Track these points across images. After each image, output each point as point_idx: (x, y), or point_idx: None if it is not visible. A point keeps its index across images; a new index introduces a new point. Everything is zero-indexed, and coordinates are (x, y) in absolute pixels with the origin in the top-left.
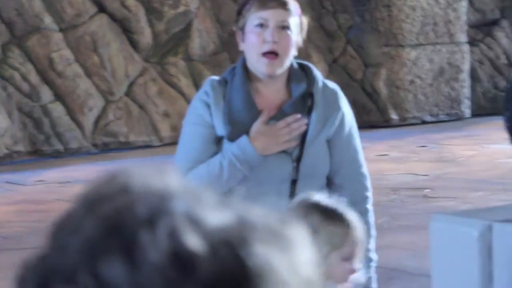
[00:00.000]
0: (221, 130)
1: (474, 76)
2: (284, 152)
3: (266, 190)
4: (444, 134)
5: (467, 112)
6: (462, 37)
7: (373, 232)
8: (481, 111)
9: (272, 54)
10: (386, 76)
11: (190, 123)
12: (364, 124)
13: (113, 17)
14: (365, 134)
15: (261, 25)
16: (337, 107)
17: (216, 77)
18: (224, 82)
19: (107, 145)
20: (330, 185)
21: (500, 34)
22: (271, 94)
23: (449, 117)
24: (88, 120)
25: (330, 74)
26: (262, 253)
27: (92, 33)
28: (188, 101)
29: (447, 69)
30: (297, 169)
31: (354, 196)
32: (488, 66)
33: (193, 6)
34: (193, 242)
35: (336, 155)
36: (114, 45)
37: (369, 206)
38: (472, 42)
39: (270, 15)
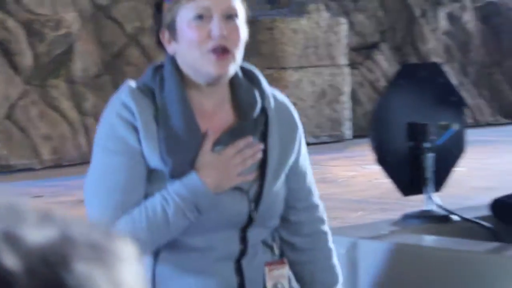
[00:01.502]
0: (155, 161)
1: (354, 98)
2: (238, 189)
3: (212, 239)
4: (326, 155)
5: (348, 133)
6: (343, 60)
7: (341, 279)
8: (361, 132)
9: (221, 51)
10: None
11: (109, 150)
12: None
13: None
14: None
15: (201, 17)
16: (294, 127)
17: (133, 84)
18: (149, 93)
19: None
20: (283, 224)
21: (379, 57)
22: (213, 109)
23: (331, 139)
24: None
25: None
26: (83, 270)
27: None
28: (70, 124)
29: (329, 91)
30: (255, 211)
31: (314, 236)
32: (368, 89)
33: (74, 28)
34: (10, 261)
35: (294, 187)
36: None
37: (331, 244)
38: (352, 65)
39: (213, 3)
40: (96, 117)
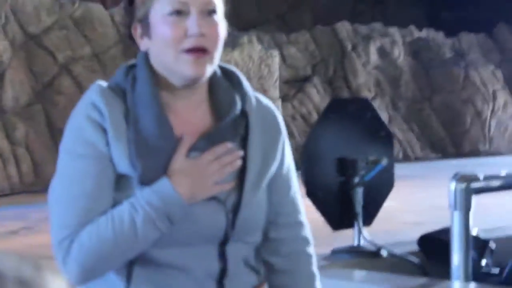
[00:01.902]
0: (124, 166)
1: (287, 131)
2: (214, 199)
3: (188, 255)
4: None
5: None
6: (275, 93)
7: None
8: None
9: (198, 51)
10: None
11: (75, 154)
12: None
13: None
14: None
15: (178, 12)
16: (278, 133)
17: (103, 83)
18: (120, 92)
19: None
20: (262, 242)
21: (311, 90)
22: (189, 112)
23: None
24: None
25: None
26: None
27: None
28: (0, 154)
29: None
30: (232, 223)
31: (295, 257)
32: (300, 122)
33: (6, 57)
34: None
35: (275, 200)
36: None
37: (315, 268)
38: (284, 98)
39: None
40: (27, 147)
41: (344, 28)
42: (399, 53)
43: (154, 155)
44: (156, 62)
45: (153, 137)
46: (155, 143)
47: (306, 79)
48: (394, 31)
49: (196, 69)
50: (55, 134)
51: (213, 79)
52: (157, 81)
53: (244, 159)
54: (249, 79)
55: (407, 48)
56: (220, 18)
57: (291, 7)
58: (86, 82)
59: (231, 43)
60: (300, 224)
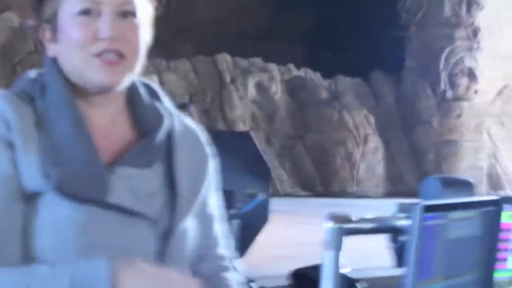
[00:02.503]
0: (34, 179)
1: None
2: (142, 218)
3: None
4: None
5: None
6: None
7: None
8: None
9: (110, 54)
10: None
11: None
12: None
13: None
14: None
15: (87, 11)
16: (205, 156)
17: (6, 90)
18: (27, 99)
19: None
20: None
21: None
22: (106, 122)
23: None
24: None
25: None
26: None
27: None
28: None
29: None
30: (165, 248)
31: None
32: None
33: None
34: None
35: (201, 230)
36: None
37: None
38: None
39: None
40: None
41: (224, 60)
42: (276, 90)
43: (69, 160)
44: (66, 68)
45: (69, 141)
46: (72, 148)
47: (183, 107)
48: (273, 67)
49: (106, 75)
50: None
51: (132, 90)
52: (69, 88)
53: (172, 178)
54: None
55: (285, 85)
56: (141, 21)
57: (174, 35)
58: None
59: None
60: (221, 258)
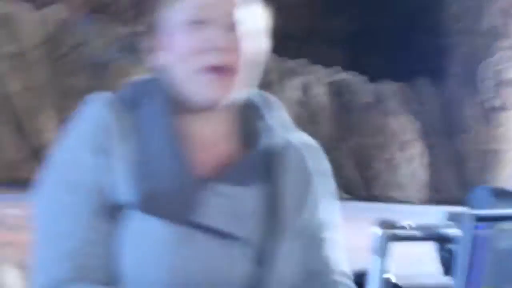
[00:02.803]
0: (126, 192)
1: None
2: (243, 243)
3: None
4: None
5: None
6: None
7: None
8: None
9: (219, 69)
10: None
11: (65, 187)
12: None
13: None
14: None
15: (197, 22)
16: (313, 173)
17: (110, 95)
18: (130, 105)
19: None
20: None
21: None
22: (211, 139)
23: None
24: None
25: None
26: None
27: None
28: None
29: None
30: (259, 276)
31: None
32: None
33: None
34: None
35: (304, 256)
36: None
37: None
38: None
39: (214, 2)
40: None
41: (270, 60)
42: (320, 91)
43: (160, 178)
44: (172, 78)
45: (160, 154)
46: (162, 162)
47: None
48: (318, 69)
49: (215, 90)
50: None
51: (246, 104)
52: (173, 99)
53: (274, 199)
54: None
55: (329, 88)
56: (253, 33)
57: None
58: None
59: None
60: (333, 284)
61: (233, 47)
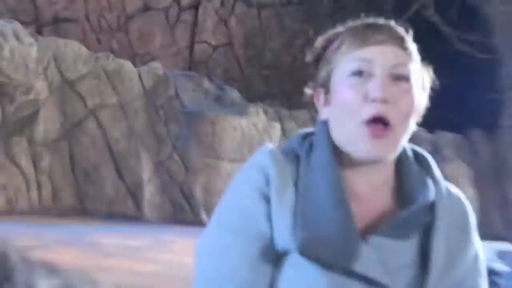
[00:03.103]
0: (284, 238)
1: None
2: None
3: None
4: None
5: None
6: None
7: None
8: None
9: (379, 124)
10: (204, 183)
11: (231, 230)
12: (179, 221)
13: None
14: (177, 229)
15: (359, 72)
16: (467, 231)
17: (275, 148)
18: (293, 157)
19: None
20: None
21: None
22: (368, 191)
23: None
24: None
25: (155, 173)
26: None
27: None
28: (25, 175)
29: None
30: None
31: None
32: None
33: (42, 96)
34: None
35: None
36: None
37: None
38: None
39: (377, 55)
40: (50, 175)
41: None
42: None
43: (322, 226)
44: (335, 132)
45: (324, 205)
46: (326, 212)
47: None
48: None
49: (373, 148)
50: (75, 168)
51: (401, 158)
52: (336, 152)
53: (426, 252)
54: (251, 144)
55: None
56: (415, 88)
57: (296, 87)
58: (111, 129)
59: (240, 111)
60: None
61: (393, 99)
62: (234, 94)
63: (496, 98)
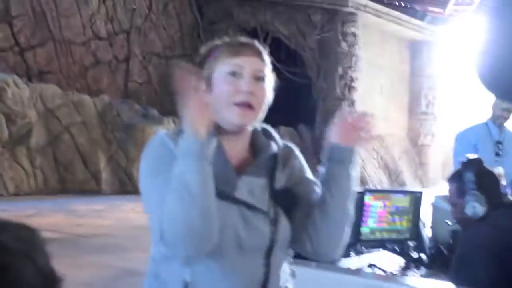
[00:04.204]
0: None
1: None
2: (262, 212)
3: (238, 261)
4: None
5: None
6: None
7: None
8: None
9: (246, 106)
10: (137, 166)
11: (156, 172)
12: (124, 192)
13: None
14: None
15: (233, 73)
16: (295, 162)
17: (167, 132)
18: (178, 135)
19: None
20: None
21: None
22: (236, 152)
23: None
24: None
25: (108, 163)
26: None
27: None
28: (26, 170)
29: None
30: (273, 234)
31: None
32: None
33: (33, 120)
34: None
35: (302, 191)
36: None
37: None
38: None
39: (245, 63)
40: (41, 169)
41: None
42: None
43: (214, 167)
44: (213, 111)
45: (214, 156)
46: (215, 160)
47: None
48: None
49: (241, 119)
50: (57, 163)
51: (254, 131)
52: (215, 125)
53: (272, 184)
54: None
55: None
56: (268, 86)
57: None
58: (78, 137)
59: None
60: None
61: (254, 92)
62: (154, 112)
63: (312, 105)
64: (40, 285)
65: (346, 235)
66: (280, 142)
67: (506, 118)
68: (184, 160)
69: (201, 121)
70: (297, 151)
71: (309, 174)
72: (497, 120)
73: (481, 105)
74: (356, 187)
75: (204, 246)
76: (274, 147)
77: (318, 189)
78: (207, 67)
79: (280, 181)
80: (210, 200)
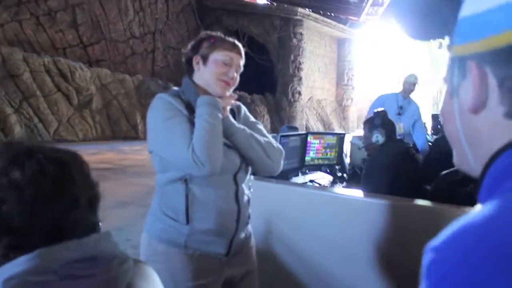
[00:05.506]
0: None
1: None
2: (234, 149)
3: (220, 180)
4: None
5: None
6: None
7: None
8: None
9: (227, 84)
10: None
11: (169, 116)
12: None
13: None
14: None
15: (225, 62)
16: (244, 113)
17: (167, 94)
18: (178, 96)
19: None
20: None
21: None
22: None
23: None
24: None
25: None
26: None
27: None
28: (89, 124)
29: None
30: (241, 164)
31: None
32: None
33: (93, 91)
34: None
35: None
36: None
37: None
38: None
39: (234, 58)
40: (100, 124)
41: None
42: None
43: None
44: (202, 80)
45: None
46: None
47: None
48: None
49: (223, 91)
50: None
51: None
52: (199, 93)
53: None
54: None
55: None
56: (239, 72)
57: None
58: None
59: None
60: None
61: (234, 77)
62: (171, 85)
63: (274, 80)
64: (86, 189)
65: (261, 159)
66: (239, 104)
67: (412, 90)
68: (208, 108)
69: (224, 103)
70: (243, 107)
71: (252, 119)
72: (406, 92)
73: (384, 81)
74: (245, 131)
75: (218, 164)
76: (235, 108)
77: (260, 127)
78: (207, 47)
79: (239, 123)
80: (221, 134)
